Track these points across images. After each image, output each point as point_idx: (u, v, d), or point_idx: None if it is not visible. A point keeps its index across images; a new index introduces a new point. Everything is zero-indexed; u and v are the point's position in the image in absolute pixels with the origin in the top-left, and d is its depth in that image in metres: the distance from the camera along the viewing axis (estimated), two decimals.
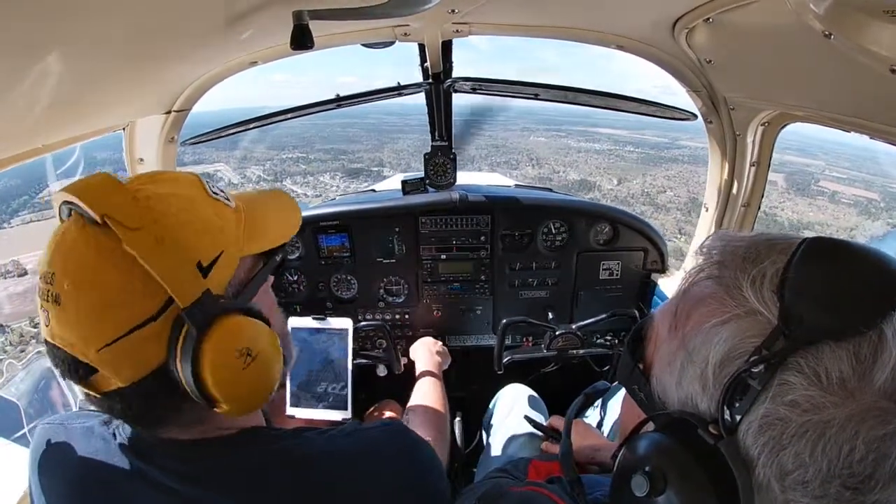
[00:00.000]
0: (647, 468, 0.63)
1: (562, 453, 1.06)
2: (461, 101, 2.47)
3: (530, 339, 2.66)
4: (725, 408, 0.58)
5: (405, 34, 1.91)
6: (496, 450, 2.02)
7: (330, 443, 0.95)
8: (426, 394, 1.83)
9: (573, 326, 2.24)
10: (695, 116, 2.21)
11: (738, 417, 0.57)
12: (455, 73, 2.29)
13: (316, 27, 1.29)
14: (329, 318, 1.93)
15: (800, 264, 0.59)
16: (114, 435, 0.91)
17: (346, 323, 1.91)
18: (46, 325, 0.77)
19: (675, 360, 0.66)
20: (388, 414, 1.97)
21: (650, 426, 0.69)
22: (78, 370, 0.77)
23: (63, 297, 0.74)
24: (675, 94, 2.12)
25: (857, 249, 0.61)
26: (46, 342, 0.79)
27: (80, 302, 0.75)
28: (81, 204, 0.74)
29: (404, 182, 2.53)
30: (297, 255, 2.52)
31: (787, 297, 0.57)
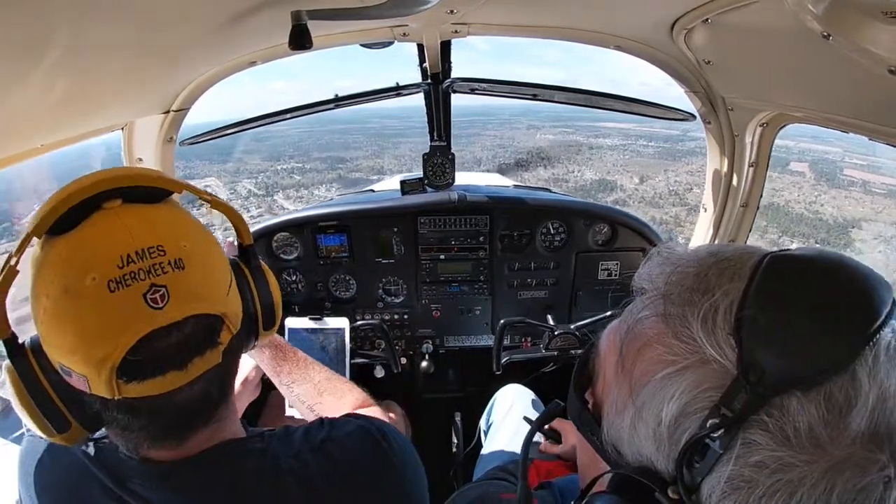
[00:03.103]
0: None
1: (518, 499, 0.89)
2: (460, 102, 2.46)
3: (529, 339, 2.66)
4: (685, 469, 0.53)
5: (404, 34, 1.91)
6: (495, 450, 2.01)
7: (298, 460, 0.95)
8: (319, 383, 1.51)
9: (571, 327, 2.25)
10: (693, 117, 2.22)
11: (698, 479, 0.52)
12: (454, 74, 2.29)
13: (314, 27, 1.29)
14: (326, 318, 1.93)
15: (757, 296, 0.53)
16: (92, 454, 0.91)
17: (342, 322, 1.92)
18: (160, 307, 0.73)
19: (625, 414, 0.60)
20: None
21: (609, 476, 0.64)
22: (214, 327, 0.80)
23: (186, 258, 0.76)
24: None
25: (824, 270, 0.55)
26: (160, 330, 0.73)
27: (206, 255, 0.82)
28: (154, 184, 0.82)
29: (403, 182, 2.52)
30: (295, 255, 2.52)
31: (746, 341, 0.51)
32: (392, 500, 0.99)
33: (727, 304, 0.54)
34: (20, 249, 0.75)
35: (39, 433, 0.83)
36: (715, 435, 0.50)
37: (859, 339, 0.49)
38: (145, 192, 0.80)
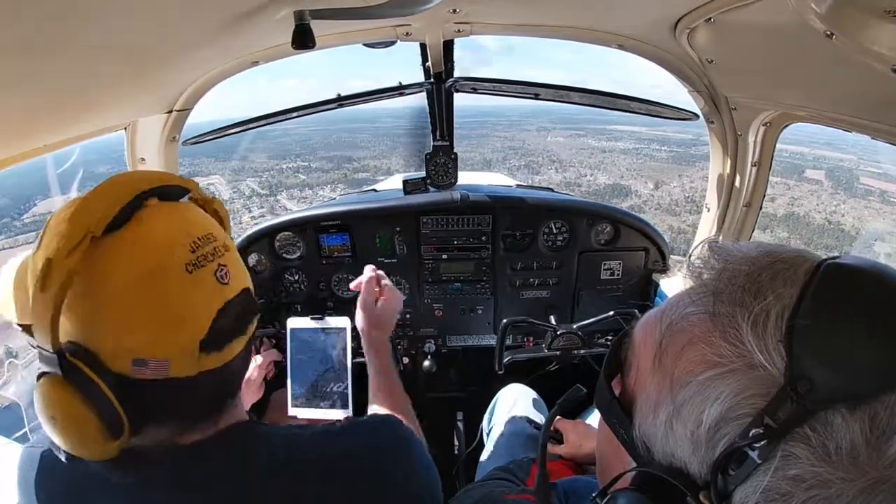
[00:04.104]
0: None
1: (536, 486, 0.93)
2: (467, 102, 2.45)
3: (531, 339, 2.66)
4: (719, 475, 0.52)
5: (406, 34, 1.91)
6: (497, 450, 2.02)
7: (325, 439, 0.99)
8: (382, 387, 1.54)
9: (574, 326, 2.24)
10: (696, 116, 2.21)
11: (732, 487, 0.51)
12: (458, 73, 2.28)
13: (317, 27, 1.29)
14: (327, 318, 1.93)
15: (811, 306, 0.51)
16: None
17: (344, 322, 1.91)
18: (226, 283, 0.86)
19: (661, 411, 0.58)
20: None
21: (633, 473, 0.62)
22: (252, 297, 0.95)
23: (229, 243, 0.91)
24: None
25: (880, 285, 0.52)
26: (230, 302, 0.86)
27: (231, 242, 0.93)
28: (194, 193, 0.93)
29: (405, 182, 2.52)
30: (298, 254, 2.52)
31: (797, 351, 0.49)
32: (412, 499, 1.00)
33: (779, 309, 0.52)
34: (76, 250, 0.73)
35: (84, 450, 0.78)
36: (756, 445, 0.49)
37: None
38: (171, 190, 0.88)
